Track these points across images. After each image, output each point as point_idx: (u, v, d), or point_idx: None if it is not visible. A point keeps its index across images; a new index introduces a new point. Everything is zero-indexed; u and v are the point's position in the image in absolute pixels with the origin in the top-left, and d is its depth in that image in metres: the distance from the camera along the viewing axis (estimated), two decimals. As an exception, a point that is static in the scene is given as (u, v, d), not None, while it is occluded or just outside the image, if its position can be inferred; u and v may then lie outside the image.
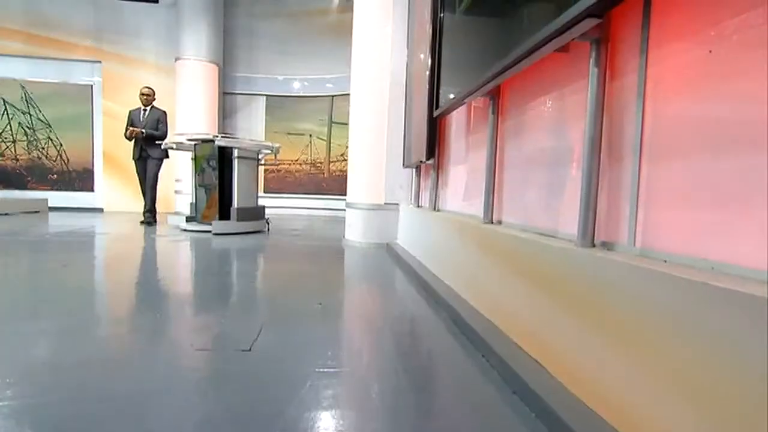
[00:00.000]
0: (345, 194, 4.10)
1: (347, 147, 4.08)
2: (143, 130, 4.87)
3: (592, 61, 1.07)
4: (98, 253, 3.27)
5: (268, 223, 4.86)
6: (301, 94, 7.52)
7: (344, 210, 4.09)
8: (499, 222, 1.77)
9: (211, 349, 1.32)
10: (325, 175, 7.56)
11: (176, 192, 6.77)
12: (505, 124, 1.74)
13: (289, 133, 7.67)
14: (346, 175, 4.09)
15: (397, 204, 3.77)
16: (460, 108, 2.26)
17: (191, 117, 6.68)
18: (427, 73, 2.54)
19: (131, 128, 4.87)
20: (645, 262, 0.84)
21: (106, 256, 3.13)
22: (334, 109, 7.48)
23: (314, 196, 7.48)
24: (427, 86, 2.51)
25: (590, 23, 0.99)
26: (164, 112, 5.08)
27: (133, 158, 5.01)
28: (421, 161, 2.82)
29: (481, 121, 2.04)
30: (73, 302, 1.81)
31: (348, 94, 4.10)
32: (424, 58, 2.70)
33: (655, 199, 0.93)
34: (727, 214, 0.75)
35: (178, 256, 3.24)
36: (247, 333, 1.46)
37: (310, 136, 7.64)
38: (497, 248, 1.52)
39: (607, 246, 1.07)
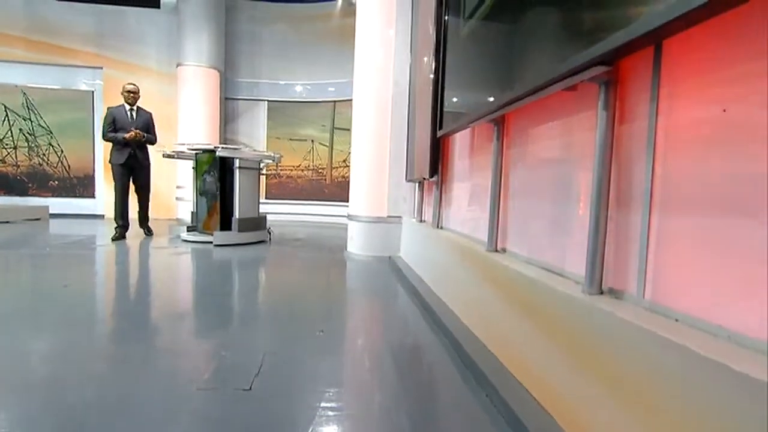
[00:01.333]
0: (347, 201, 4.08)
1: (350, 153, 4.06)
2: (144, 134, 4.45)
3: (600, 103, 1.05)
4: (99, 269, 3.25)
5: (269, 233, 4.85)
6: (303, 100, 7.50)
7: (346, 216, 4.07)
8: (504, 250, 1.75)
9: (211, 387, 1.30)
10: (328, 181, 7.54)
11: (177, 199, 6.76)
12: (510, 151, 1.72)
13: (291, 139, 7.65)
14: (348, 182, 4.07)
15: (400, 217, 3.75)
16: (465, 129, 2.24)
17: (193, 123, 6.67)
18: (430, 89, 2.52)
19: (133, 131, 4.36)
20: (654, 323, 0.82)
21: (107, 273, 3.11)
22: (336, 115, 7.45)
23: (316, 202, 7.46)
24: (431, 105, 2.48)
25: (599, 70, 0.97)
26: (151, 113, 4.66)
27: (115, 162, 4.42)
28: (424, 178, 2.80)
29: (485, 142, 2.01)
30: (73, 330, 1.79)
31: (350, 100, 4.08)
32: (427, 73, 2.68)
33: (665, 252, 0.91)
34: (741, 279, 0.73)
35: (178, 272, 3.22)
36: (248, 365, 1.44)
37: (312, 141, 7.62)
38: (501, 282, 1.49)
39: (615, 294, 1.04)
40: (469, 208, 2.24)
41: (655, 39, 0.85)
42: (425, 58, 2.82)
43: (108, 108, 4.46)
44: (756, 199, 0.71)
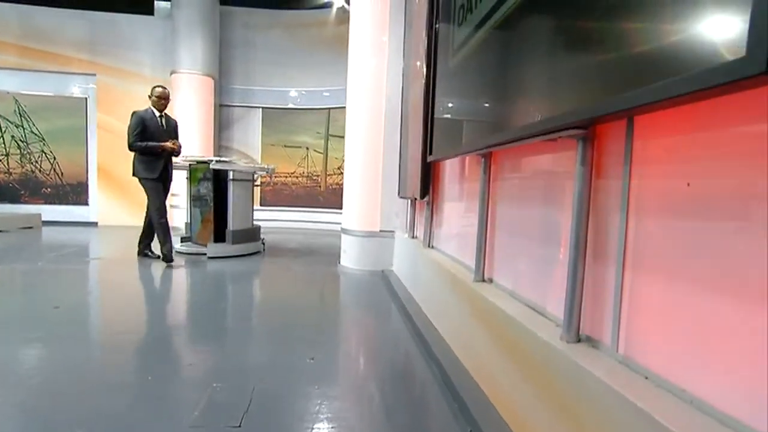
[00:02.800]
0: (341, 208, 4.11)
1: (344, 160, 4.07)
2: (180, 144, 3.96)
3: (578, 158, 1.09)
4: (92, 286, 3.26)
5: (263, 244, 4.86)
6: (298, 107, 7.51)
7: (340, 224, 4.09)
8: (490, 280, 1.79)
9: (201, 425, 1.33)
10: (322, 188, 7.56)
11: (171, 206, 6.74)
12: (497, 183, 1.75)
13: (286, 146, 7.66)
14: (342, 189, 4.10)
15: (393, 231, 3.78)
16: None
17: (187, 131, 6.61)
18: (421, 112, 2.56)
19: (173, 141, 3.85)
20: (624, 382, 0.86)
21: (99, 292, 3.11)
22: (331, 122, 7.48)
23: (311, 209, 7.48)
24: (421, 130, 2.52)
25: (576, 131, 1.01)
26: (177, 121, 4.20)
27: (149, 176, 3.82)
28: (415, 198, 2.83)
29: (474, 168, 2.05)
30: (60, 359, 1.81)
31: (345, 107, 4.11)
32: (419, 94, 2.72)
33: (636, 308, 0.95)
34: (703, 344, 0.77)
35: (171, 290, 3.22)
36: (239, 399, 1.47)
37: (307, 148, 7.64)
38: (487, 318, 1.53)
39: (591, 342, 1.08)
40: (459, 231, 2.28)
41: (627, 115, 0.89)
42: (417, 80, 2.85)
43: (134, 112, 3.76)
44: (716, 270, 0.75)
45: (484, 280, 1.80)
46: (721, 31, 0.60)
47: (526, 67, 1.26)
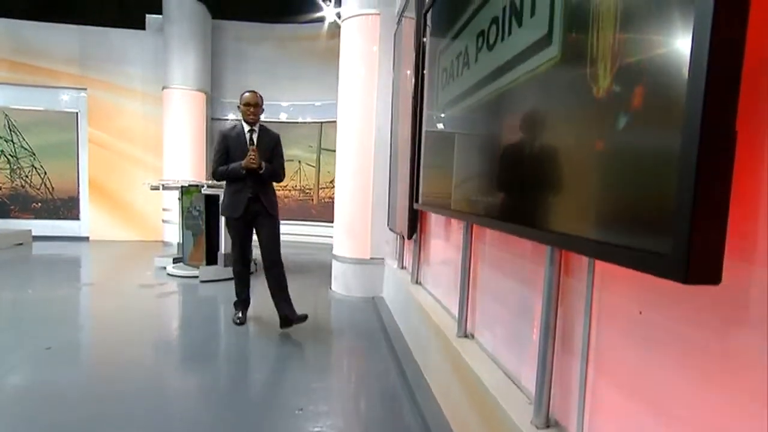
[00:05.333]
0: (333, 221, 4.17)
1: (335, 166, 4.09)
2: (262, 164, 2.75)
3: (548, 258, 1.16)
4: (84, 320, 3.27)
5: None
6: (290, 120, 7.54)
7: (332, 237, 4.13)
8: (472, 336, 1.86)
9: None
10: (314, 201, 7.60)
11: (164, 221, 6.76)
12: (478, 246, 1.83)
13: (278, 159, 7.68)
14: (334, 202, 4.16)
15: (383, 258, 3.85)
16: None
17: (179, 146, 6.67)
18: (408, 158, 2.62)
19: (252, 152, 2.70)
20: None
21: (92, 327, 3.09)
22: (323, 136, 7.51)
23: (303, 222, 7.51)
24: (408, 175, 2.58)
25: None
26: (279, 135, 3.03)
27: (230, 214, 2.85)
28: (403, 236, 2.90)
29: (459, 224, 2.12)
30: (51, 412, 1.84)
31: (336, 121, 4.15)
32: (407, 136, 2.78)
33: (599, 403, 1.03)
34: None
35: (161, 321, 3.24)
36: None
37: (299, 162, 7.67)
38: (467, 381, 1.60)
39: (559, 429, 1.16)
40: (444, 277, 2.35)
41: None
42: (405, 118, 2.92)
43: (220, 131, 2.94)
44: (663, 387, 0.82)
45: (466, 336, 1.88)
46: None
47: (498, 164, 1.33)
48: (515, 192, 1.21)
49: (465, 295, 1.87)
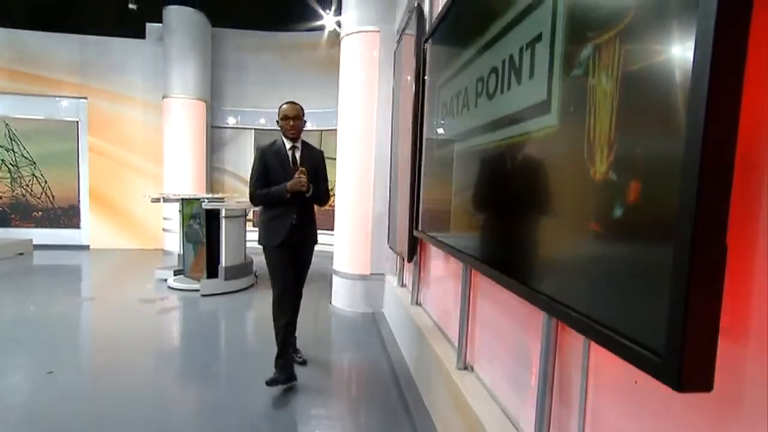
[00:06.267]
0: (332, 229, 4.20)
1: (335, 183, 4.09)
2: (310, 187, 2.37)
3: (545, 319, 1.18)
4: (85, 341, 3.27)
5: (256, 277, 4.93)
6: (290, 128, 7.55)
7: (332, 245, 4.15)
8: (472, 368, 1.88)
9: None
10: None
11: (164, 230, 6.77)
12: (478, 280, 1.84)
13: (278, 167, 7.69)
14: (334, 210, 4.18)
15: (383, 274, 3.86)
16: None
17: (179, 155, 6.68)
18: (408, 182, 2.64)
19: (301, 172, 2.31)
20: None
21: (93, 349, 3.10)
22: (323, 143, 7.52)
23: (303, 230, 7.52)
24: (408, 195, 2.60)
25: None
26: (323, 153, 2.64)
27: (270, 243, 2.42)
28: (403, 258, 2.91)
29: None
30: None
31: (336, 129, 4.16)
32: (407, 156, 2.79)
33: (596, 463, 1.05)
34: None
35: (163, 343, 3.22)
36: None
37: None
38: (466, 417, 1.62)
39: (557, 480, 1.18)
40: (444, 303, 2.37)
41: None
42: (405, 137, 2.93)
43: (258, 147, 2.69)
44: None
45: (465, 368, 1.89)
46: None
47: (495, 217, 1.34)
48: (511, 248, 1.22)
49: (465, 327, 1.89)
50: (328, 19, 6.96)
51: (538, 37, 1.03)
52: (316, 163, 2.50)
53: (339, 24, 6.57)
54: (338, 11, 6.89)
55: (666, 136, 0.64)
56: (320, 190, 2.50)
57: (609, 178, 0.76)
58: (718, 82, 0.55)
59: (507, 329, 1.57)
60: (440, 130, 2.01)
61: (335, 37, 7.33)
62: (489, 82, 1.35)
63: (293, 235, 2.40)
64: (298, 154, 2.46)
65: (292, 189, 2.32)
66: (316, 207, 2.60)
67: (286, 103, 2.48)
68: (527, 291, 1.06)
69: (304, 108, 2.52)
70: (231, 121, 7.49)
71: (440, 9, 2.41)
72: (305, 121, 2.52)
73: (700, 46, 0.56)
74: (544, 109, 1.00)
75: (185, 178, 6.62)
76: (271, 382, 2.35)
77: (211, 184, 7.27)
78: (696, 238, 0.56)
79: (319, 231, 2.74)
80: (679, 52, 0.62)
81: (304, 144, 2.52)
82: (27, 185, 6.79)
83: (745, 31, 0.56)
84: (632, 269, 0.71)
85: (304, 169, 2.34)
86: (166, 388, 2.51)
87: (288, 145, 2.46)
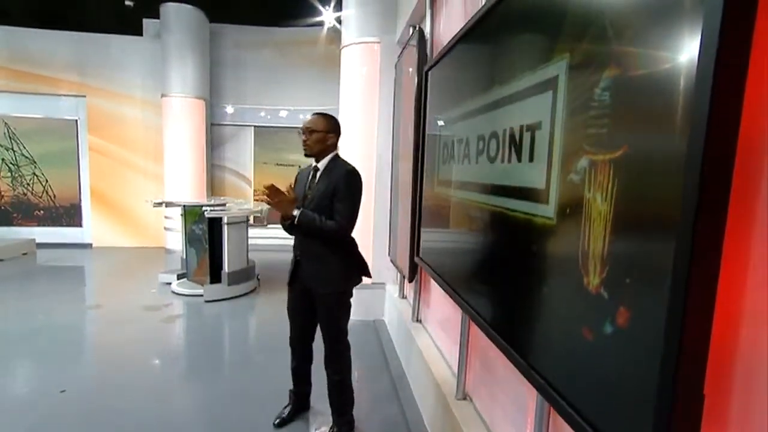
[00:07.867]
0: None
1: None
2: (294, 212, 1.92)
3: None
4: (93, 355, 3.30)
5: (258, 281, 5.01)
6: (290, 125, 7.52)
7: None
8: (471, 399, 1.97)
9: None
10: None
11: (166, 229, 6.82)
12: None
13: (278, 164, 7.71)
14: None
15: (384, 283, 3.94)
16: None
17: (179, 153, 6.68)
18: (410, 206, 2.68)
19: (277, 199, 1.91)
20: None
21: (102, 364, 3.11)
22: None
23: (303, 228, 7.58)
24: (409, 227, 2.65)
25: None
26: (351, 172, 2.02)
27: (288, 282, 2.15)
28: (404, 276, 2.98)
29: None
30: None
31: None
32: (407, 176, 2.83)
33: None
34: None
35: (169, 354, 3.27)
36: None
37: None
38: (465, 452, 1.71)
39: None
40: (444, 328, 2.45)
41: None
42: (405, 152, 2.96)
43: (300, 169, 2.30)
44: None
45: (464, 398, 1.98)
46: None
47: (490, 278, 1.40)
48: (506, 316, 1.28)
49: (464, 359, 1.97)
50: (327, 15, 6.86)
51: (539, 125, 1.07)
52: (331, 185, 1.95)
53: (338, 20, 6.50)
54: (337, 7, 6.80)
55: (657, 270, 0.70)
56: (317, 217, 1.91)
57: (601, 293, 0.81)
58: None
59: (504, 368, 1.64)
60: (441, 170, 2.05)
61: (333, 33, 7.25)
62: (490, 144, 1.38)
63: (298, 272, 2.08)
64: (319, 175, 2.02)
65: (280, 214, 1.96)
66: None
67: (313, 114, 2.09)
68: (525, 366, 1.13)
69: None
70: (230, 118, 7.46)
71: (443, 37, 2.41)
72: (330, 135, 2.01)
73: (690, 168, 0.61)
74: (543, 197, 1.04)
75: (186, 176, 6.64)
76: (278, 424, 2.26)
77: (212, 183, 7.29)
78: (679, 367, 0.62)
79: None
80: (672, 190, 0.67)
81: (334, 161, 2.04)
82: (28, 184, 6.80)
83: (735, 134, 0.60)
84: (620, 384, 0.77)
85: (289, 187, 1.96)
86: (175, 411, 2.59)
87: (313, 164, 2.09)
